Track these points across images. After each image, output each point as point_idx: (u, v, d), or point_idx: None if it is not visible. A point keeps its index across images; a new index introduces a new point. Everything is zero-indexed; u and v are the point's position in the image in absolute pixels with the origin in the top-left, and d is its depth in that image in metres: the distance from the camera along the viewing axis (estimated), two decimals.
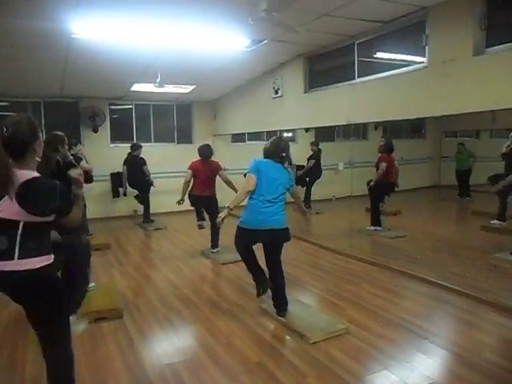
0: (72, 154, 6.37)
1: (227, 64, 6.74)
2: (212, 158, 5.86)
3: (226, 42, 5.70)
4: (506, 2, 4.13)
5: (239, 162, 9.86)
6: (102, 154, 8.80)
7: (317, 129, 10.69)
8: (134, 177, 8.00)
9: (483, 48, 3.98)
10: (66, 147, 3.67)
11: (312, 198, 9.95)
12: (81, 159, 6.61)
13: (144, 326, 3.67)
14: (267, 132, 9.74)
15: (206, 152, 5.74)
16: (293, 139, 11.04)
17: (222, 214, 3.60)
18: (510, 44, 3.77)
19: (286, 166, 3.68)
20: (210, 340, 3.37)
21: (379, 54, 5.59)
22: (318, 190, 9.55)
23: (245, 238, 3.65)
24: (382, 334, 3.40)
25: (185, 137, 9.81)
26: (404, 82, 4.83)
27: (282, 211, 3.61)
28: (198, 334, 3.51)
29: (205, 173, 5.64)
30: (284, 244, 3.68)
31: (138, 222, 8.33)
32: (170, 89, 8.13)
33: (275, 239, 3.62)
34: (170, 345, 3.37)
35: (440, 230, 7.35)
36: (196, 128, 9.92)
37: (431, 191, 12.10)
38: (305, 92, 6.56)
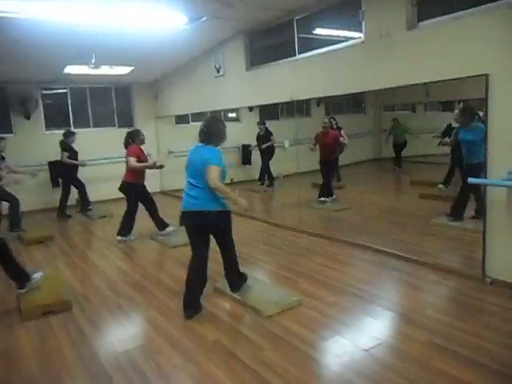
0: None
1: (166, 43, 6.53)
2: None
3: (162, 20, 5.51)
4: None
5: (184, 144, 9.72)
6: (37, 142, 8.32)
7: (261, 107, 10.75)
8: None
9: (415, 22, 4.13)
10: None
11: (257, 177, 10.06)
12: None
13: (95, 316, 3.57)
14: (211, 112, 9.66)
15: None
16: (237, 119, 11.01)
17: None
18: (438, 18, 3.94)
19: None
20: (165, 323, 3.35)
21: (318, 31, 5.63)
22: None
23: None
24: (333, 302, 3.53)
25: (126, 120, 9.45)
26: (343, 58, 4.92)
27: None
28: (152, 319, 3.47)
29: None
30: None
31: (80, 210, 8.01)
32: (106, 71, 7.76)
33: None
34: (123, 332, 3.31)
35: (382, 200, 7.69)
36: (137, 111, 9.59)
37: (372, 164, 12.56)
38: (247, 70, 6.51)
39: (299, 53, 5.54)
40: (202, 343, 3.02)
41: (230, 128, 10.72)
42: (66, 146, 7.48)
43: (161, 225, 5.89)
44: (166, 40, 6.34)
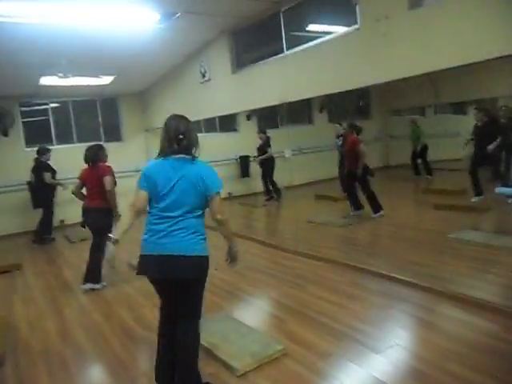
0: None
1: (145, 48, 5.92)
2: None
3: (133, 19, 4.92)
4: None
5: None
6: (16, 160, 7.71)
7: (259, 115, 10.14)
8: (38, 186, 6.98)
9: None
10: None
11: (258, 190, 9.42)
12: None
13: (29, 374, 2.84)
14: (205, 121, 9.04)
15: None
16: (235, 128, 10.34)
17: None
18: None
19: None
20: None
21: (307, 24, 4.95)
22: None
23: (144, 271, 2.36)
24: (326, 352, 2.76)
25: (113, 134, 8.84)
26: (336, 50, 4.22)
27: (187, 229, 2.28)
28: (96, 379, 2.74)
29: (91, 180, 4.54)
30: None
31: (64, 234, 7.37)
32: (88, 81, 7.21)
33: (169, 274, 2.28)
34: None
35: (393, 213, 6.86)
36: (125, 124, 8.97)
37: (381, 173, 11.74)
38: (233, 72, 5.83)
39: (288, 48, 4.85)
40: None
41: (227, 138, 10.20)
42: (43, 164, 6.87)
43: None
44: (145, 44, 5.75)
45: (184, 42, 6.07)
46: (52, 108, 8.29)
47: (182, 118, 2.47)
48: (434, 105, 11.65)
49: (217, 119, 9.57)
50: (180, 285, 2.29)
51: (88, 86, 7.51)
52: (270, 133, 9.07)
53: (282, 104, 5.12)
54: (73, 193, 4.74)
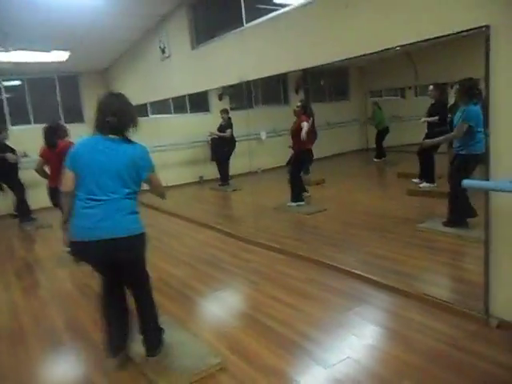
0: None
1: (96, 20, 5.42)
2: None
3: None
4: None
5: (142, 140, 8.61)
6: None
7: (231, 95, 9.68)
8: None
9: None
10: None
11: (231, 173, 9.03)
12: None
13: None
14: (174, 101, 8.54)
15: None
16: (206, 109, 9.85)
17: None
18: None
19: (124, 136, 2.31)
20: None
21: None
22: (240, 163, 8.53)
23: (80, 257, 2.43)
24: (269, 366, 2.42)
25: (74, 115, 8.30)
26: (294, 23, 3.78)
27: (124, 210, 2.24)
28: None
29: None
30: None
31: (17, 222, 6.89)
32: (39, 57, 6.64)
33: (113, 257, 2.28)
34: None
35: (366, 199, 6.56)
36: (87, 104, 8.41)
37: (359, 155, 11.43)
38: (192, 48, 5.36)
39: (247, 22, 4.40)
40: None
41: (198, 120, 9.73)
42: (0, 145, 6.37)
43: None
44: (96, 17, 5.26)
45: (139, 14, 5.56)
46: (5, 87, 7.70)
47: (115, 96, 2.37)
48: (414, 86, 11.32)
49: (187, 99, 9.06)
50: (124, 264, 2.33)
51: (44, 63, 6.96)
52: (244, 113, 8.63)
53: (248, 82, 4.70)
54: (36, 170, 4.61)
